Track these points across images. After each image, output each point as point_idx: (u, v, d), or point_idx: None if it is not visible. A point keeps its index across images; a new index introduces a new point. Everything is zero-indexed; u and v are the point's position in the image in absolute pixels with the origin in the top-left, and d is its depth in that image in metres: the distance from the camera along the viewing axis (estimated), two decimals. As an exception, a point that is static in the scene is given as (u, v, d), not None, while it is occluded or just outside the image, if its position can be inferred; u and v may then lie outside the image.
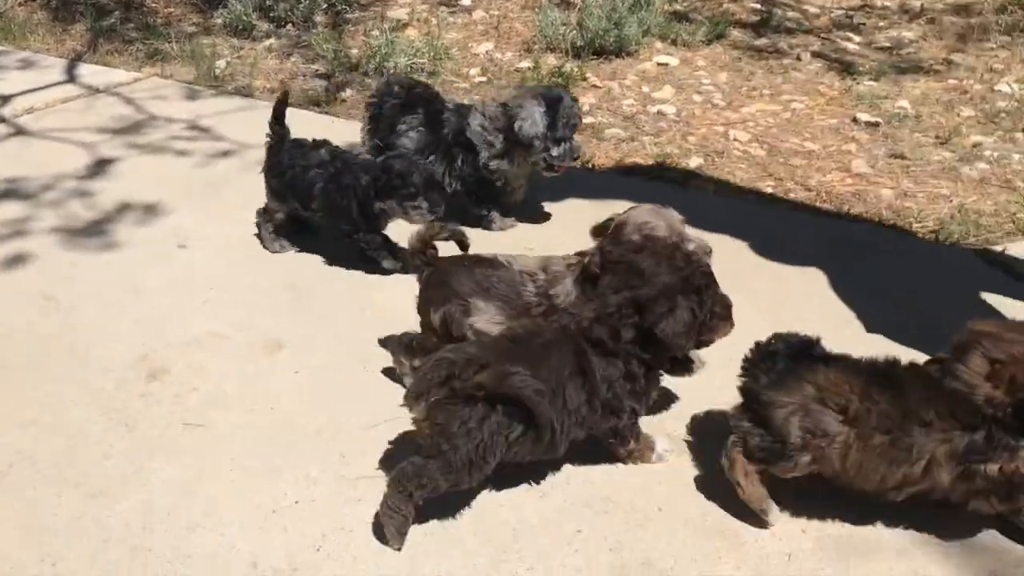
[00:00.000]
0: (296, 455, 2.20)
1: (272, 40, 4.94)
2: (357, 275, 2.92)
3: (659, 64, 4.71)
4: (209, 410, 2.35)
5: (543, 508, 2.05)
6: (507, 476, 2.12)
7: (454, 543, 1.96)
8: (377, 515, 1.96)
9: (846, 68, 4.66)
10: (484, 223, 3.17)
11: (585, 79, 4.48)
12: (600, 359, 2.01)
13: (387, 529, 1.93)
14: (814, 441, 1.91)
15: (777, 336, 2.02)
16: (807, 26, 5.26)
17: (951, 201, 3.42)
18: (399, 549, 1.94)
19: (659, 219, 2.27)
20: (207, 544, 1.96)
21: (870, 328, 2.64)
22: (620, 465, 2.15)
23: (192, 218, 3.23)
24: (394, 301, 2.79)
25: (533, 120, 3.01)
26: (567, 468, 2.15)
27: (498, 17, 5.24)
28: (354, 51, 4.75)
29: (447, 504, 2.05)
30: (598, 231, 2.35)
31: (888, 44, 5.02)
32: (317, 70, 4.61)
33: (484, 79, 4.52)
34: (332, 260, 2.99)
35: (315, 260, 3.00)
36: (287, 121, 3.01)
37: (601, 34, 4.67)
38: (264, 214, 3.04)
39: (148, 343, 2.58)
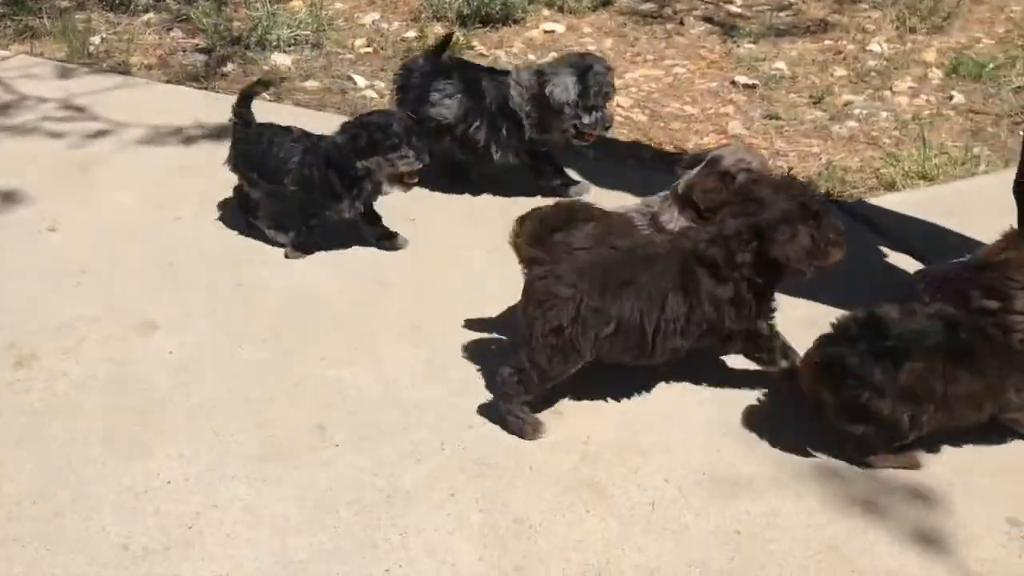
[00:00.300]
0: (169, 435, 2.18)
1: (151, 15, 4.80)
2: (232, 251, 2.89)
3: (546, 31, 4.73)
4: (80, 394, 2.31)
5: (417, 474, 2.08)
6: (381, 444, 2.16)
7: (328, 514, 1.98)
8: (250, 495, 1.99)
9: (728, 31, 4.76)
10: (561, 191, 3.15)
11: (472, 47, 4.47)
12: (708, 278, 2.13)
13: (525, 434, 2.16)
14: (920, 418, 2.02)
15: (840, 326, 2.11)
16: (692, -10, 5.34)
17: (821, 159, 3.55)
18: (539, 436, 2.16)
19: (752, 157, 2.49)
20: (76, 529, 1.94)
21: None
22: (494, 428, 2.20)
23: (63, 201, 3.14)
24: (270, 276, 2.78)
25: (565, 87, 3.00)
26: (442, 434, 2.18)
27: (386, -14, 5.19)
28: (236, 24, 4.65)
29: (320, 475, 2.07)
30: (689, 164, 2.54)
31: (769, 6, 5.14)
32: (197, 44, 4.50)
33: (370, 49, 4.48)
34: (207, 237, 2.95)
35: (190, 238, 2.96)
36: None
37: (488, 2, 4.66)
38: (262, 211, 2.92)
39: (15, 330, 2.51)
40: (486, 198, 3.20)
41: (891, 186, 3.32)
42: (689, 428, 2.21)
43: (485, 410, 2.23)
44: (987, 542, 1.94)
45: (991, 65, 4.23)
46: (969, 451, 2.16)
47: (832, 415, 2.08)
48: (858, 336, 2.05)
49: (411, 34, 4.59)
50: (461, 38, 4.47)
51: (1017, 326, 2.02)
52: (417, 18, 4.79)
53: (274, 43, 4.37)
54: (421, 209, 3.09)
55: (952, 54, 4.41)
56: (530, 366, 2.13)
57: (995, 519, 1.99)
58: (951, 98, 4.04)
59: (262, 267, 2.81)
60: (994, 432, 2.20)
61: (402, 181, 2.79)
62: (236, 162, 2.88)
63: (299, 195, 2.82)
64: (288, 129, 2.91)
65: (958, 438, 2.17)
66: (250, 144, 2.85)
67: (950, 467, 2.12)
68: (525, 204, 3.04)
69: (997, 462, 2.13)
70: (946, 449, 2.15)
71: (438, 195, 3.18)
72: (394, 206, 3.07)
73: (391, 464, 2.11)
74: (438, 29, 4.61)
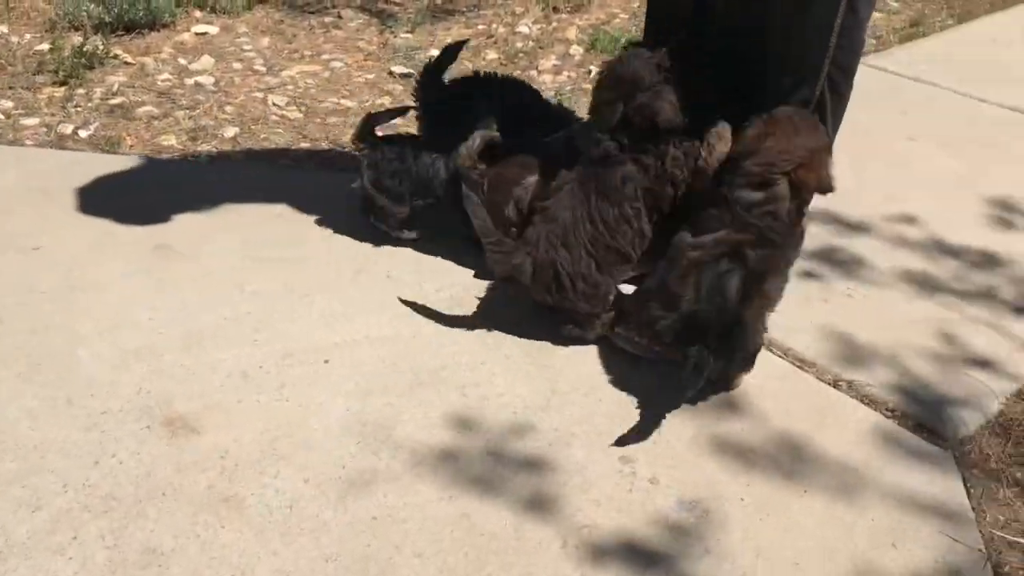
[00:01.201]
0: None
1: None
2: None
3: (198, 34, 4.57)
4: None
5: (35, 522, 1.95)
6: (-9, 498, 2.00)
7: (-71, 584, 1.82)
8: None
9: (384, 22, 4.83)
10: None
11: (115, 57, 4.23)
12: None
13: None
14: None
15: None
16: (349, -18, 5.36)
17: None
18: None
19: None
20: None
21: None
22: (124, 459, 2.10)
23: None
24: None
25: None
26: (65, 475, 2.06)
27: (16, -5, 4.80)
28: None
29: (-82, 545, 1.89)
30: None
31: (426, -6, 5.27)
32: None
33: (-5, 67, 4.12)
34: None
35: None
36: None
37: (127, 8, 4.42)
38: (392, 219, 2.91)
39: None
40: (129, 226, 3.00)
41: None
42: (329, 425, 2.23)
43: (116, 443, 2.13)
44: (602, 483, 2.11)
45: (624, 39, 4.58)
46: (591, 399, 2.34)
47: None
48: None
49: (44, 47, 4.25)
50: (101, 47, 4.22)
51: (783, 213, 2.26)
52: (52, 28, 4.46)
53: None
54: (48, 237, 2.88)
55: (591, 30, 4.73)
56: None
57: (611, 460, 2.17)
58: (590, 72, 4.34)
59: None
60: (612, 379, 2.40)
61: None
62: (386, 186, 2.85)
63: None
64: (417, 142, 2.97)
65: (584, 390, 2.36)
66: (398, 169, 2.84)
67: (572, 418, 2.28)
68: (165, 225, 2.95)
69: (614, 404, 2.33)
70: (571, 401, 2.32)
71: (69, 220, 2.98)
72: (14, 233, 2.86)
73: (5, 517, 1.95)
74: (75, 39, 4.32)
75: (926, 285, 2.81)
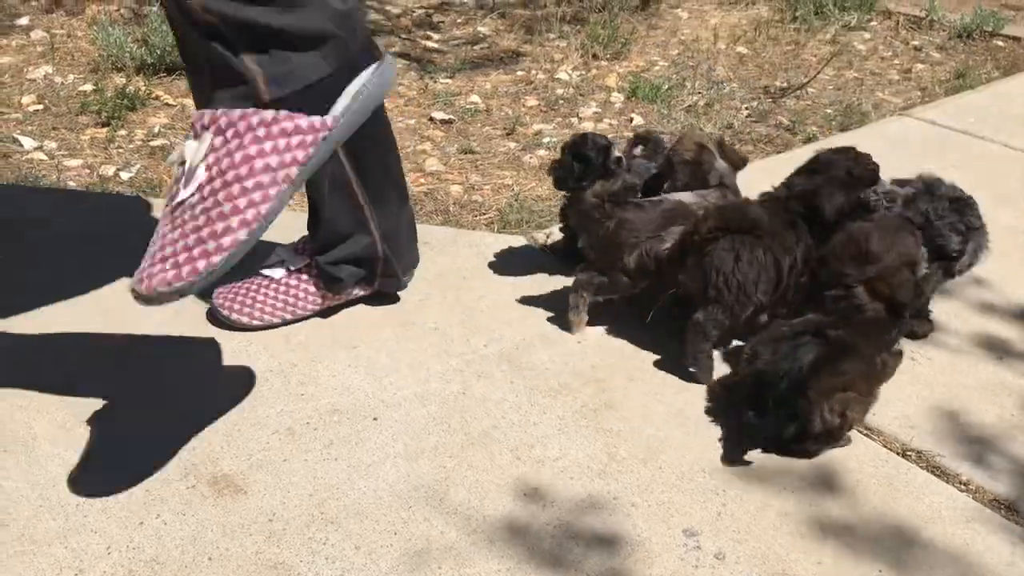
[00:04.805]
0: None
1: None
2: None
3: (238, 76, 4.56)
4: None
5: (77, 587, 1.88)
6: (36, 559, 1.92)
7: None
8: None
9: (424, 67, 4.81)
10: None
11: (156, 98, 4.23)
12: None
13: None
14: None
15: None
16: (389, 27, 5.37)
17: (513, 190, 3.63)
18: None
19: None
20: None
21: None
22: (169, 520, 2.03)
23: None
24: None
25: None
26: (109, 536, 1.98)
27: (62, 36, 4.82)
28: None
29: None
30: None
31: (465, 40, 5.26)
32: None
33: (41, 107, 4.12)
34: None
35: None
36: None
37: (170, 51, 4.42)
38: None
39: None
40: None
41: (578, 212, 3.44)
42: (379, 487, 2.14)
43: (161, 503, 2.06)
44: (665, 557, 2.01)
45: (666, 87, 4.55)
46: (650, 467, 2.25)
47: None
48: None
49: (88, 87, 4.26)
50: (143, 88, 4.22)
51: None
52: (96, 69, 4.47)
53: None
54: (90, 281, 2.83)
55: (631, 78, 4.70)
56: None
57: (673, 532, 2.07)
58: (631, 120, 4.30)
59: None
60: (672, 446, 2.31)
61: None
62: None
63: None
64: None
65: (643, 456, 2.27)
66: None
67: (632, 487, 2.19)
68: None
69: (675, 473, 2.24)
70: (629, 468, 2.23)
71: (111, 263, 2.92)
72: (62, 280, 2.80)
73: (33, 580, 1.88)
74: (118, 80, 4.32)
75: (994, 349, 2.71)
